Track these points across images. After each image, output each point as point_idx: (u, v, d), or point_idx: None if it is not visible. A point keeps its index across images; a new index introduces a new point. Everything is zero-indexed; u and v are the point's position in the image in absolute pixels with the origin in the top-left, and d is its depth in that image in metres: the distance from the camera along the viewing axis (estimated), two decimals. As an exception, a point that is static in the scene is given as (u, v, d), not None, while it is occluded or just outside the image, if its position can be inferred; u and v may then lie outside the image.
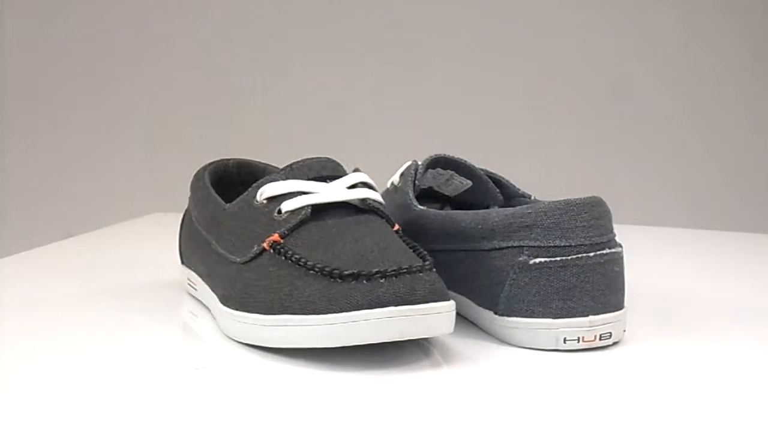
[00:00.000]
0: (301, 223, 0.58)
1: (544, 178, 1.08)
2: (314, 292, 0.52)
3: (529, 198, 0.69)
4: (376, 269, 0.52)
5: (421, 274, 0.52)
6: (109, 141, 1.42)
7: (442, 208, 0.73)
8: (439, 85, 1.53)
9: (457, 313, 0.54)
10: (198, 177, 0.70)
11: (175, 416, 0.45)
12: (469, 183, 0.70)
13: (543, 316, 0.55)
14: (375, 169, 0.67)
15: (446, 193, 0.73)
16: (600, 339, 0.55)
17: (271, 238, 0.57)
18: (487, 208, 0.69)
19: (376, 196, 0.61)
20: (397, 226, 0.60)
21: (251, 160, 0.75)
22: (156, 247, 0.85)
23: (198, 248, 0.67)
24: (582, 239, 0.55)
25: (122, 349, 0.57)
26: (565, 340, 0.55)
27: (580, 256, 0.55)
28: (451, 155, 0.69)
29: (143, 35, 1.45)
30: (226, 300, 0.59)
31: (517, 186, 0.70)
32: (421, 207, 0.65)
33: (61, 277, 0.78)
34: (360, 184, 0.62)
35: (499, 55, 1.50)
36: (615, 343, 0.57)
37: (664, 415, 0.46)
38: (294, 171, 0.62)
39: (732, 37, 1.44)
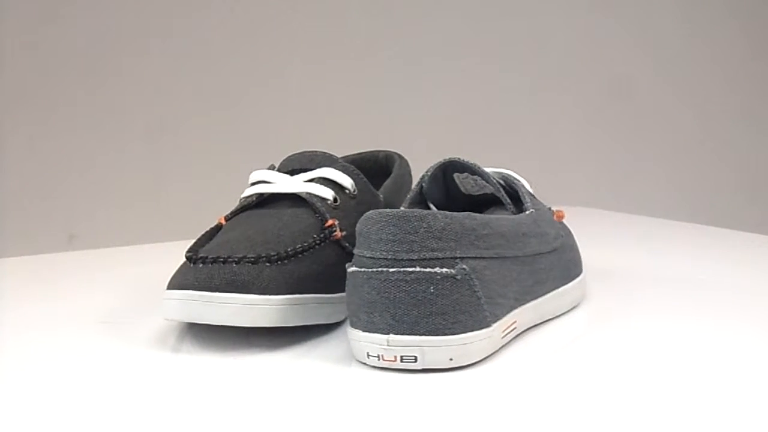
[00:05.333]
0: (244, 209, 0.65)
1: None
2: (176, 271, 0.61)
3: (525, 212, 0.64)
4: (203, 255, 0.58)
5: (235, 265, 0.57)
6: (110, 141, 1.38)
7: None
8: (440, 86, 1.43)
9: None
10: None
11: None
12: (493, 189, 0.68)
13: (356, 327, 0.54)
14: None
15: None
16: (402, 361, 0.52)
17: (219, 220, 0.66)
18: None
19: (321, 191, 0.65)
20: (329, 222, 0.63)
21: (393, 153, 0.81)
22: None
23: None
24: (384, 252, 0.52)
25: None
26: (368, 355, 0.54)
27: (380, 270, 0.52)
28: (464, 160, 0.67)
29: (145, 35, 1.39)
30: None
31: (526, 197, 0.65)
32: (403, 209, 0.66)
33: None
34: (318, 179, 0.66)
35: (500, 55, 1.41)
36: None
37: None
38: (284, 163, 0.69)
39: (734, 35, 1.39)
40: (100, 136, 1.32)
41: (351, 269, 0.54)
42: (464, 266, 0.53)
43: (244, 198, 0.66)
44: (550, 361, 0.56)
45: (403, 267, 0.52)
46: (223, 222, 0.65)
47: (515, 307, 0.58)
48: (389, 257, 0.52)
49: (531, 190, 0.68)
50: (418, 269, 0.52)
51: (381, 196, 0.71)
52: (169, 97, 1.35)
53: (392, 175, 0.77)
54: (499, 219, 0.57)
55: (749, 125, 1.50)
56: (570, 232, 0.73)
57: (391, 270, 0.52)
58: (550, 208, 0.69)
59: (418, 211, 0.52)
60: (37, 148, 1.31)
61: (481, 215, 0.55)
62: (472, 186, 0.69)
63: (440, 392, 0.50)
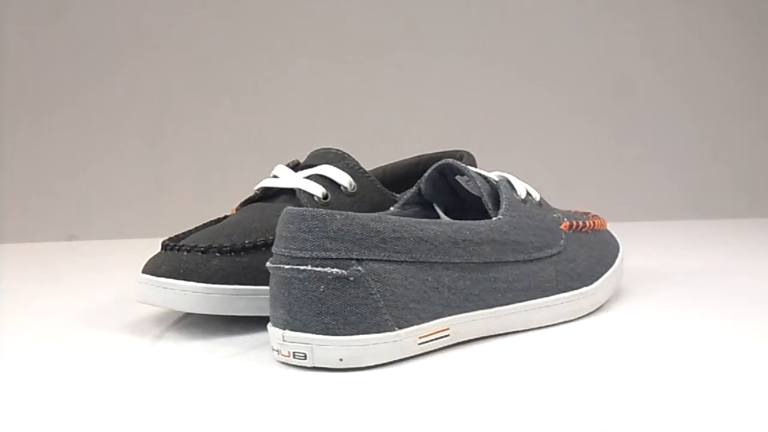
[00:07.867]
0: (249, 201, 0.70)
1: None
2: None
3: (494, 218, 0.62)
4: (167, 243, 0.63)
5: (186, 253, 0.61)
6: (110, 141, 1.32)
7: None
8: (440, 85, 1.37)
9: None
10: None
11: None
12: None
13: (270, 321, 0.56)
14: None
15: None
16: (294, 357, 0.54)
17: (231, 211, 0.70)
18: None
19: (311, 187, 0.67)
20: None
21: (466, 153, 0.82)
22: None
23: None
24: (283, 249, 0.54)
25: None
26: (272, 349, 0.55)
27: (278, 266, 0.54)
28: (457, 163, 0.66)
29: (144, 34, 1.32)
30: None
31: (504, 203, 0.63)
32: (305, 209, 0.65)
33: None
34: (313, 176, 0.68)
35: (499, 55, 1.37)
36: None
37: None
38: (306, 158, 0.72)
39: (733, 34, 1.39)
40: (100, 135, 1.32)
41: (267, 264, 0.56)
42: (359, 268, 0.52)
43: (255, 191, 0.70)
44: (471, 372, 0.53)
45: (297, 265, 0.53)
46: (233, 212, 0.69)
47: (444, 315, 0.56)
48: (286, 254, 0.53)
49: (532, 194, 0.65)
50: (309, 268, 0.52)
51: (398, 196, 0.71)
52: (170, 97, 1.34)
53: None
54: (426, 223, 0.56)
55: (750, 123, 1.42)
56: (596, 242, 0.69)
57: (286, 267, 0.53)
58: (559, 216, 0.66)
59: (318, 211, 0.53)
60: (37, 148, 1.31)
61: (396, 218, 0.55)
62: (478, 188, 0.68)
63: (323, 392, 0.50)
